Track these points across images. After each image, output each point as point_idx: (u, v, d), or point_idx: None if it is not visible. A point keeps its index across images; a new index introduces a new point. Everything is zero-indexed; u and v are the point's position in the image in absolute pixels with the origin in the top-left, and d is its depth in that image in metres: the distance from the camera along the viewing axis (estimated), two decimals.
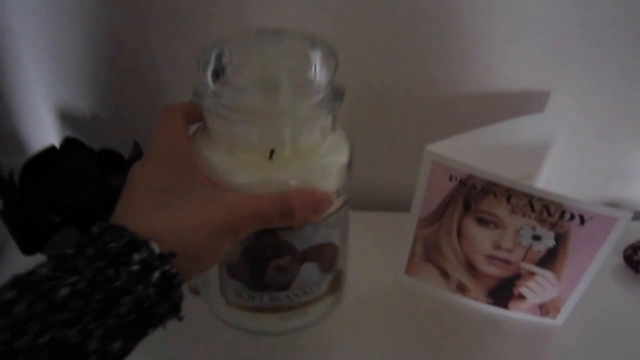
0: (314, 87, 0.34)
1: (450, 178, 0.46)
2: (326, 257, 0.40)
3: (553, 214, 0.45)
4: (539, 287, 0.51)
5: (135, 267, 0.28)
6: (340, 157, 0.37)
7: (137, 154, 0.54)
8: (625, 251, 0.59)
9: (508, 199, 0.45)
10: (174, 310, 0.30)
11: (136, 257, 0.28)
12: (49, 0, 0.51)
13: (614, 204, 0.66)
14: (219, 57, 0.34)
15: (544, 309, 0.53)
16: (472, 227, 0.49)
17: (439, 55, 0.53)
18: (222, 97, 0.34)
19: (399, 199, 0.56)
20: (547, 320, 0.53)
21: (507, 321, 0.54)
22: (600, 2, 0.49)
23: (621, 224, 0.44)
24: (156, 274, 0.28)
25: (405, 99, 0.57)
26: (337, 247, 0.40)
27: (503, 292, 0.53)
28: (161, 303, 0.29)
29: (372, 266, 0.58)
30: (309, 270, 0.39)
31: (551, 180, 0.56)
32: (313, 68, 0.34)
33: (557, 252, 0.47)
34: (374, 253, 0.60)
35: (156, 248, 0.29)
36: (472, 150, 0.49)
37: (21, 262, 0.33)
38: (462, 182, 0.46)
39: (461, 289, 0.54)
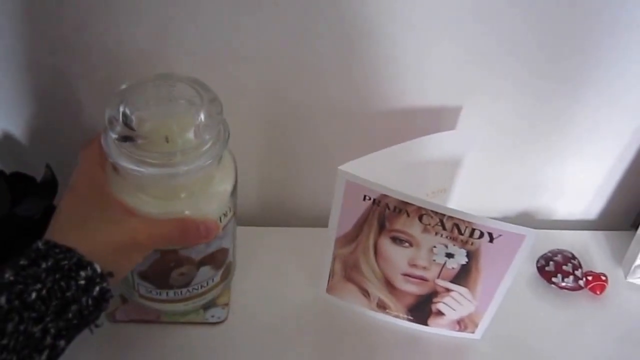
0: (202, 137, 0.41)
1: (364, 198, 0.46)
2: (219, 259, 0.50)
3: (464, 232, 0.45)
4: (456, 303, 0.51)
5: (82, 282, 0.35)
6: (225, 187, 0.46)
7: (50, 177, 0.53)
8: (537, 261, 0.61)
9: (420, 218, 0.46)
10: (98, 317, 0.38)
11: (83, 273, 0.35)
12: None
13: (526, 214, 0.68)
14: (123, 116, 0.40)
15: (462, 324, 0.53)
16: (387, 246, 0.49)
17: (353, 73, 0.53)
18: (126, 152, 0.40)
19: (320, 214, 0.56)
20: (465, 335, 0.54)
21: (427, 337, 0.55)
22: (513, 20, 0.50)
23: (528, 241, 0.45)
24: (97, 289, 0.36)
25: (322, 116, 0.57)
26: (227, 249, 0.50)
27: (422, 309, 0.53)
28: (94, 313, 0.37)
29: (294, 283, 0.58)
30: (205, 271, 0.49)
31: (464, 193, 0.58)
32: (199, 123, 0.41)
33: (470, 268, 0.48)
34: (296, 269, 0.59)
35: (98, 268, 0.36)
36: (386, 168, 0.49)
37: None
38: (376, 202, 0.46)
39: (382, 306, 0.54)
